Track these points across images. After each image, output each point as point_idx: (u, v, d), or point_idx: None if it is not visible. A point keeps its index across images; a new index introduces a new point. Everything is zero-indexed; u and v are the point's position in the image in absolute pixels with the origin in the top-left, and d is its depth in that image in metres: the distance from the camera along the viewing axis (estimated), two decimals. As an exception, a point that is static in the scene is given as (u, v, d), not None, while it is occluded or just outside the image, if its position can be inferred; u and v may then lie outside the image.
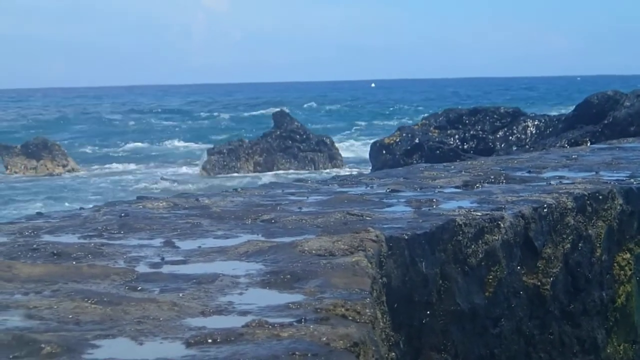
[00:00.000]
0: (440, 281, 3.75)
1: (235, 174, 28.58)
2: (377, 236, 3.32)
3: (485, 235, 4.02)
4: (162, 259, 3.10)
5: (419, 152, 19.27)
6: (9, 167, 31.04)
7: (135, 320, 2.29)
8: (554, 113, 24.63)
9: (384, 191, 4.94)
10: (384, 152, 19.69)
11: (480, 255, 3.99)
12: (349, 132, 48.16)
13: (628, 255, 5.03)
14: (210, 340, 2.11)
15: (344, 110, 67.12)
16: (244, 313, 2.38)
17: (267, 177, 26.25)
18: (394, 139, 19.95)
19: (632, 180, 5.33)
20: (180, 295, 2.56)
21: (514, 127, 20.08)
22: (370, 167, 19.88)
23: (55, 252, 3.16)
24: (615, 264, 4.96)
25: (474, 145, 19.66)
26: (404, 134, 19.98)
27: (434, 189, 5.02)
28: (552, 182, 5.20)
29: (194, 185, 25.83)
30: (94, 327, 2.23)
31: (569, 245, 4.56)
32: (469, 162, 7.31)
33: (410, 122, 34.15)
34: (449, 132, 20.06)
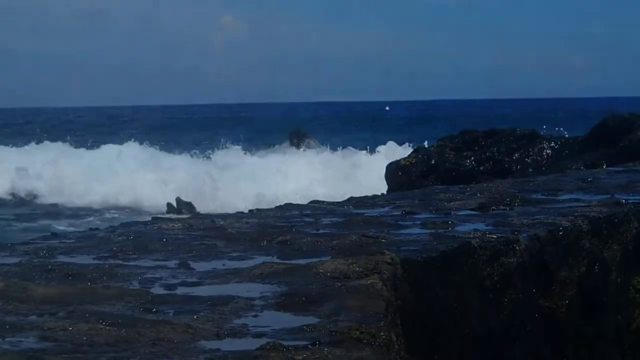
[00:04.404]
0: (455, 304, 3.74)
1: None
2: (392, 259, 3.31)
3: (500, 258, 4.00)
4: (177, 280, 3.10)
5: (435, 173, 19.20)
6: None
7: (149, 342, 2.29)
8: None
9: (400, 213, 4.93)
10: (400, 173, 19.63)
11: (496, 278, 3.97)
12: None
13: (644, 279, 5.00)
14: (224, 363, 2.11)
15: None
16: (258, 335, 2.38)
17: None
18: (410, 160, 19.90)
19: (648, 203, 5.30)
20: (195, 317, 2.56)
21: (530, 149, 19.98)
22: (386, 189, 19.83)
23: (70, 273, 3.17)
24: (631, 287, 4.93)
25: (489, 167, 19.56)
26: (420, 156, 19.93)
27: (450, 211, 5.00)
28: (567, 205, 5.18)
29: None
30: (108, 349, 2.23)
31: (584, 268, 4.54)
32: (484, 185, 7.30)
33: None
34: (464, 153, 20.00)
